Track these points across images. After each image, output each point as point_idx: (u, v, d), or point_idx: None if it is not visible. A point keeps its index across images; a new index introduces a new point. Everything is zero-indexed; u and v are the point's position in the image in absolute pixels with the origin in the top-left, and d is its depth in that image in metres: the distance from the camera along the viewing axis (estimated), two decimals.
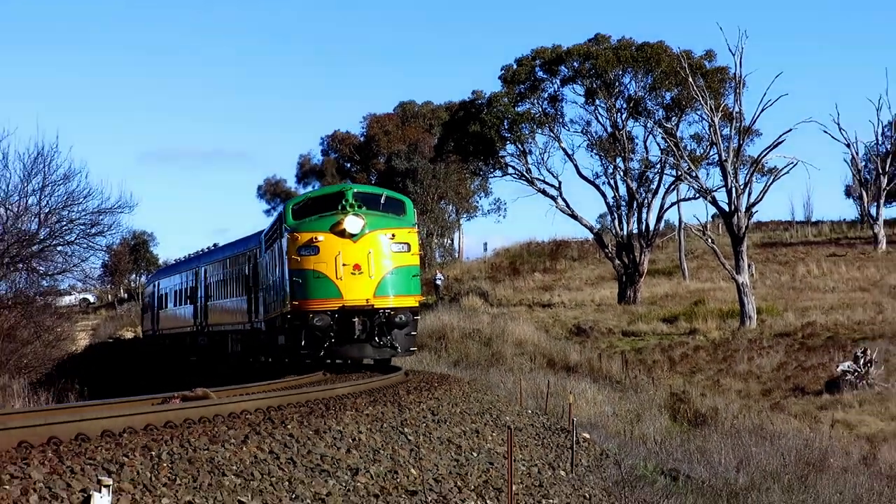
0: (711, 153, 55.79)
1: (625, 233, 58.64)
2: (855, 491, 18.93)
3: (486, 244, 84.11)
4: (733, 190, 50.14)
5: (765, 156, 51.45)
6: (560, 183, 59.70)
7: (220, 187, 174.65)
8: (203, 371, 34.59)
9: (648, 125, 58.72)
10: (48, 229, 34.66)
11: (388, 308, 24.03)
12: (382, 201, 25.52)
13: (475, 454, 14.69)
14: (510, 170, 60.56)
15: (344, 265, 23.92)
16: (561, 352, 43.75)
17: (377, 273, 24.03)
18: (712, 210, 55.93)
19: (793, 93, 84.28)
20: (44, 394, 26.71)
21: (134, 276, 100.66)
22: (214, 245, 43.09)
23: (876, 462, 26.24)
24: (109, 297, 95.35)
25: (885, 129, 75.63)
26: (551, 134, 59.49)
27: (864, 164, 76.97)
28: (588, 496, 15.14)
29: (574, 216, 59.64)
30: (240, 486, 9.33)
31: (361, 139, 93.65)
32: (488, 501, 12.48)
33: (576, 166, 59.81)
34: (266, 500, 9.33)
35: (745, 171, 51.56)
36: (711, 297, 53.94)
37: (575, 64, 57.86)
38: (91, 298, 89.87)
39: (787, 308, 50.16)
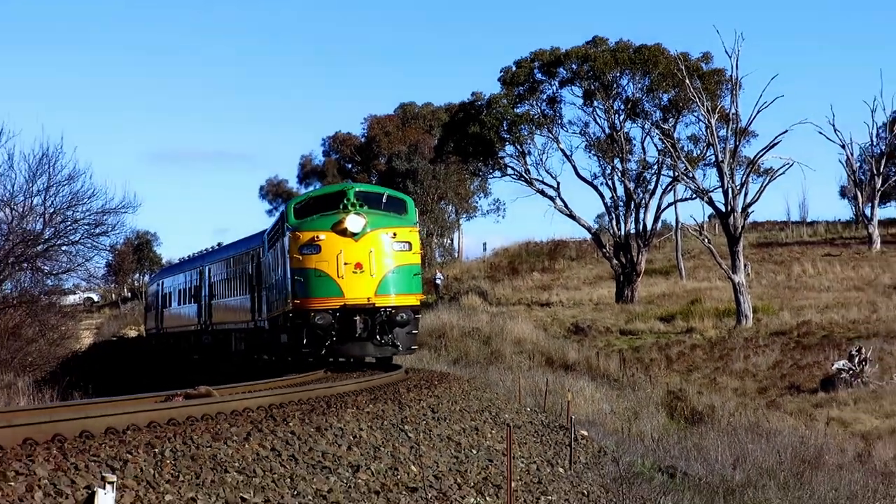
0: (708, 154, 55.83)
1: (622, 233, 58.64)
2: (850, 488, 18.93)
3: (485, 244, 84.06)
4: (730, 190, 50.14)
5: (761, 157, 51.55)
6: (558, 183, 59.81)
7: (223, 188, 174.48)
8: (207, 369, 34.56)
9: (646, 126, 58.78)
10: (53, 229, 34.69)
11: (389, 306, 23.90)
12: (384, 200, 25.40)
13: (475, 451, 14.69)
14: (509, 170, 60.60)
15: (345, 264, 23.83)
16: (559, 350, 43.75)
17: (378, 272, 23.94)
18: (709, 210, 56.05)
19: (788, 94, 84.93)
20: (48, 391, 26.67)
21: (137, 275, 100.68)
22: (218, 244, 43.02)
23: (870, 459, 26.24)
24: (113, 296, 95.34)
25: (880, 131, 75.73)
26: (550, 135, 59.52)
27: (858, 165, 76.95)
28: (586, 493, 15.14)
29: (572, 216, 59.68)
30: (242, 482, 9.32)
31: (362, 140, 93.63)
32: (488, 498, 12.48)
33: (574, 167, 59.89)
34: (268, 497, 9.32)
35: (742, 172, 51.64)
36: (708, 297, 53.94)
37: (573, 66, 57.87)
38: (95, 297, 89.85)
39: (782, 307, 50.17)
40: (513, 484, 12.65)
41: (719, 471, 19.10)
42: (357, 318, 23.83)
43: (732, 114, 51.62)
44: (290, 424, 11.91)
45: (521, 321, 48.74)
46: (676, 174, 55.23)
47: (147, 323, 56.87)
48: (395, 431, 13.67)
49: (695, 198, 55.78)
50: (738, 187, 50.34)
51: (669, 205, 60.55)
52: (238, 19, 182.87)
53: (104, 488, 7.43)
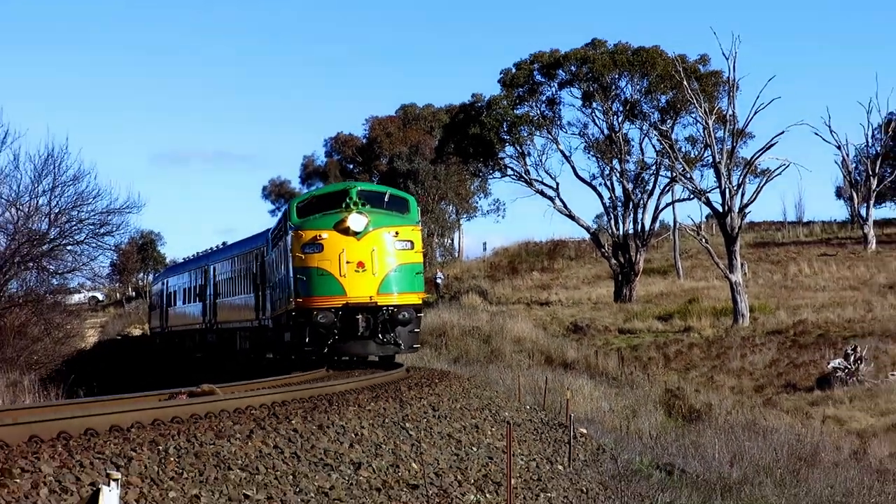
0: (705, 155, 55.81)
1: (621, 233, 58.63)
2: (846, 485, 18.92)
3: (485, 244, 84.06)
4: (727, 191, 50.14)
5: (757, 157, 51.56)
6: (558, 184, 59.82)
7: (225, 188, 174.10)
8: (211, 368, 34.54)
9: (644, 128, 58.78)
10: (58, 229, 34.67)
11: (391, 305, 23.73)
12: (386, 199, 25.24)
13: (475, 449, 14.68)
14: (509, 171, 60.61)
15: (348, 263, 23.70)
16: (558, 349, 43.74)
17: (381, 270, 23.81)
18: (706, 210, 56.15)
19: (785, 95, 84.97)
20: (53, 389, 26.63)
21: (142, 274, 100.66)
22: (223, 243, 42.98)
23: (866, 457, 26.23)
24: (118, 295, 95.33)
25: (875, 132, 75.70)
26: (549, 136, 59.52)
27: (854, 165, 76.98)
28: (585, 490, 15.13)
29: (571, 216, 59.69)
30: (245, 479, 9.31)
31: (364, 141, 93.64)
32: (488, 495, 12.47)
33: (573, 168, 59.90)
34: (271, 494, 9.32)
35: (739, 173, 51.59)
36: (705, 296, 53.93)
37: (572, 68, 57.87)
38: (100, 296, 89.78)
39: (779, 306, 50.15)
40: (512, 481, 12.64)
41: (716, 468, 19.08)
42: (359, 316, 23.72)
43: (730, 115, 51.63)
44: (293, 422, 11.91)
45: (521, 320, 48.74)
46: (674, 175, 55.24)
47: (151, 322, 56.82)
48: (397, 429, 13.67)
49: (692, 198, 55.90)
50: (735, 188, 50.33)
51: (667, 205, 60.64)
52: (238, 19, 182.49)
53: (109, 485, 7.43)
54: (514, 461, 14.26)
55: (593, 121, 59.24)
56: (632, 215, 58.61)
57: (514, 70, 59.01)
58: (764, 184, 51.69)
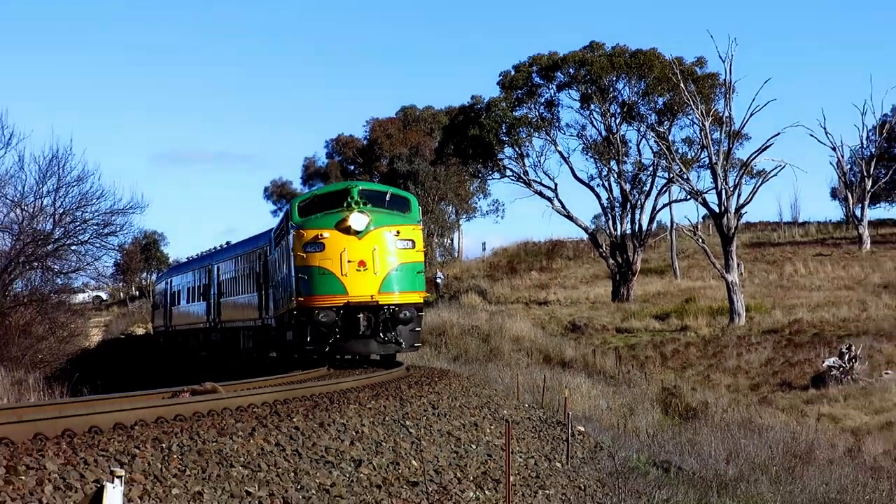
0: (702, 156, 55.88)
1: (618, 233, 58.64)
2: (840, 482, 18.91)
3: (484, 244, 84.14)
4: (723, 192, 50.14)
5: (754, 159, 51.55)
6: (556, 185, 59.81)
7: (227, 188, 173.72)
8: (214, 367, 34.52)
9: (641, 129, 58.80)
10: (62, 229, 34.67)
11: (392, 304, 23.60)
12: (387, 199, 25.08)
13: (474, 446, 14.68)
14: (508, 172, 60.65)
15: (349, 262, 23.57)
16: (557, 348, 43.74)
17: (382, 269, 23.68)
18: (703, 211, 56.16)
19: (781, 97, 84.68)
20: (58, 387, 26.61)
21: (145, 274, 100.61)
22: (227, 243, 42.92)
23: (860, 454, 26.23)
24: (121, 294, 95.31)
25: (870, 134, 75.73)
26: (548, 137, 59.55)
27: (849, 167, 76.97)
28: (583, 487, 15.14)
29: (570, 217, 59.70)
30: (247, 476, 9.32)
31: (364, 142, 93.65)
32: (487, 492, 12.47)
33: (571, 169, 59.94)
34: (273, 491, 9.32)
35: (735, 174, 51.58)
36: (702, 295, 53.92)
37: (570, 70, 57.89)
38: (104, 296, 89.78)
39: (774, 306, 50.16)
40: (511, 478, 12.64)
41: (713, 465, 19.08)
42: (360, 315, 23.59)
43: (726, 117, 51.66)
44: (294, 420, 11.91)
45: (520, 319, 48.74)
46: (671, 176, 55.27)
47: (155, 321, 56.76)
48: (397, 427, 13.67)
49: (689, 199, 55.89)
50: (731, 189, 50.33)
51: (664, 206, 60.65)
52: (238, 19, 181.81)
53: (112, 482, 7.43)
54: (513, 458, 14.26)
55: (591, 122, 59.35)
56: (629, 216, 58.65)
57: (512, 72, 59.05)
58: (760, 185, 51.72)
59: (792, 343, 43.97)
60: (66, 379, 28.86)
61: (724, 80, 52.14)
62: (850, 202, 75.84)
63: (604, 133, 58.79)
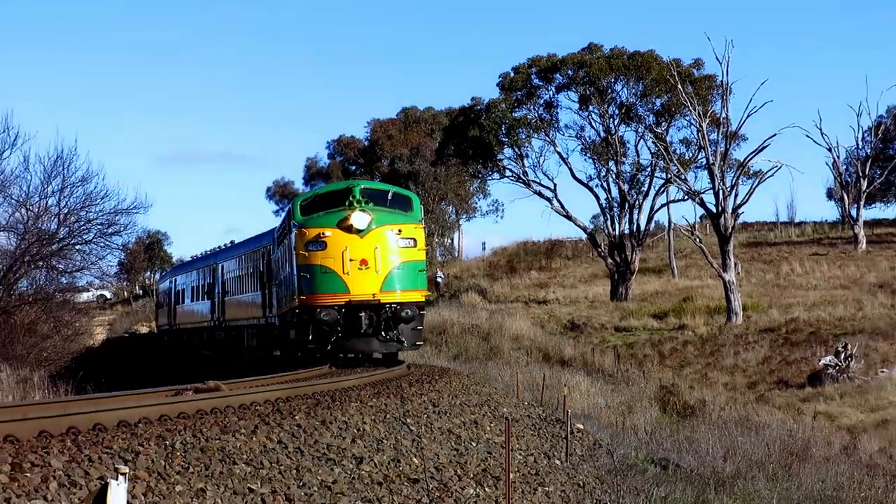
0: (699, 157, 55.86)
1: (617, 233, 58.64)
2: (836, 479, 18.91)
3: (484, 244, 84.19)
4: (720, 192, 50.13)
5: (750, 159, 51.55)
6: (555, 185, 59.88)
7: (230, 188, 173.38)
8: (218, 365, 34.49)
9: (639, 130, 58.84)
10: (67, 229, 34.67)
11: (394, 303, 23.46)
12: (389, 197, 24.89)
13: (474, 444, 14.67)
14: (508, 172, 60.67)
15: (351, 260, 23.44)
16: (556, 346, 43.72)
17: (384, 268, 23.53)
18: (700, 211, 56.07)
19: (777, 98, 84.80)
20: (63, 385, 26.60)
21: (148, 273, 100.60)
22: (231, 242, 42.86)
23: (856, 452, 26.22)
24: (125, 293, 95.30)
25: (865, 135, 75.78)
26: (547, 138, 59.56)
27: (844, 167, 76.98)
28: (582, 484, 15.12)
29: (568, 217, 59.71)
30: (250, 473, 9.31)
31: (365, 143, 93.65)
32: (487, 489, 12.47)
33: (570, 169, 59.97)
34: (275, 488, 9.31)
35: (732, 174, 51.64)
36: (699, 295, 53.92)
37: (569, 72, 57.90)
38: (108, 295, 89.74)
39: (771, 305, 50.15)
40: (511, 475, 12.63)
41: (710, 463, 19.07)
42: (362, 314, 23.45)
43: (723, 118, 51.65)
44: (296, 418, 11.90)
45: (519, 318, 48.73)
46: (669, 176, 55.26)
47: (159, 319, 56.70)
48: (398, 425, 13.66)
49: (687, 199, 55.87)
50: (728, 189, 50.33)
51: (662, 206, 60.71)
52: (238, 19, 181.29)
53: (117, 479, 7.43)
54: (513, 456, 14.25)
55: (590, 123, 59.38)
56: (627, 216, 58.66)
57: (512, 74, 59.05)
58: (757, 185, 51.74)
59: (788, 342, 43.96)
60: (70, 377, 28.84)
61: (721, 81, 52.21)
62: (846, 202, 75.85)
63: (602, 134, 58.81)
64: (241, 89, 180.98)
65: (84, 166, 36.18)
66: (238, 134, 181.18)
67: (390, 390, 16.56)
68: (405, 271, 23.80)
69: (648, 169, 58.32)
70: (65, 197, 34.08)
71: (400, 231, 23.88)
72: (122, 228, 35.35)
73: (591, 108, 58.35)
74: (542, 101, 59.43)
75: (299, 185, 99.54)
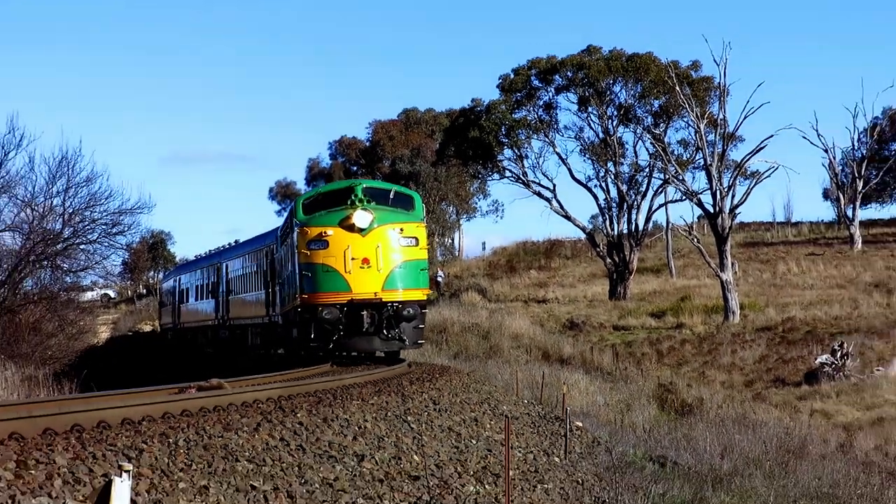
0: (697, 158, 55.84)
1: (615, 233, 58.64)
2: (832, 476, 18.90)
3: (484, 243, 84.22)
4: (718, 192, 50.13)
5: (747, 160, 51.58)
6: (554, 185, 59.89)
7: (232, 189, 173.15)
8: (222, 364, 34.45)
9: (638, 131, 58.85)
10: (72, 229, 34.63)
11: (396, 301, 23.40)
12: (391, 196, 24.80)
13: (474, 441, 14.66)
14: (507, 173, 60.68)
15: (353, 259, 23.34)
16: (555, 345, 43.71)
17: (385, 267, 23.44)
18: (698, 211, 56.07)
19: (774, 99, 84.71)
20: (67, 384, 26.58)
21: (152, 272, 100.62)
22: (235, 241, 42.82)
23: (852, 449, 26.21)
24: (129, 292, 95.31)
25: (861, 136, 75.73)
26: (546, 139, 59.58)
27: (840, 168, 76.99)
28: (581, 481, 15.11)
29: (567, 217, 59.72)
30: (252, 471, 9.30)
31: (367, 144, 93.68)
32: (486, 486, 12.46)
33: (569, 170, 59.97)
34: (277, 485, 9.30)
35: (729, 175, 51.66)
36: (697, 294, 53.91)
37: (568, 73, 57.91)
38: (112, 294, 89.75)
39: (768, 304, 50.14)
40: (510, 473, 12.63)
41: (708, 460, 19.06)
42: (364, 312, 23.36)
43: (720, 119, 51.62)
44: (298, 415, 11.89)
45: (519, 317, 48.72)
46: (667, 177, 55.28)
47: (163, 318, 56.66)
48: (399, 422, 13.65)
49: (684, 199, 55.87)
50: (725, 189, 50.33)
51: (660, 206, 60.75)
52: (238, 19, 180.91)
53: (121, 476, 7.42)
54: (513, 453, 14.24)
55: (589, 124, 59.38)
56: (626, 216, 58.69)
57: (512, 75, 59.07)
58: (753, 186, 51.80)
59: (785, 340, 43.96)
60: (74, 375, 28.84)
61: (719, 83, 52.19)
62: (842, 203, 75.84)
63: (601, 135, 58.81)
64: (242, 89, 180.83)
65: (89, 167, 36.21)
66: (238, 134, 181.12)
67: (391, 388, 16.55)
68: (407, 270, 23.72)
69: (647, 169, 58.37)
70: (69, 197, 34.08)
71: (402, 230, 23.80)
72: (125, 228, 35.35)
73: (589, 109, 58.37)
74: (541, 103, 59.50)
75: (301, 185, 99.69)
